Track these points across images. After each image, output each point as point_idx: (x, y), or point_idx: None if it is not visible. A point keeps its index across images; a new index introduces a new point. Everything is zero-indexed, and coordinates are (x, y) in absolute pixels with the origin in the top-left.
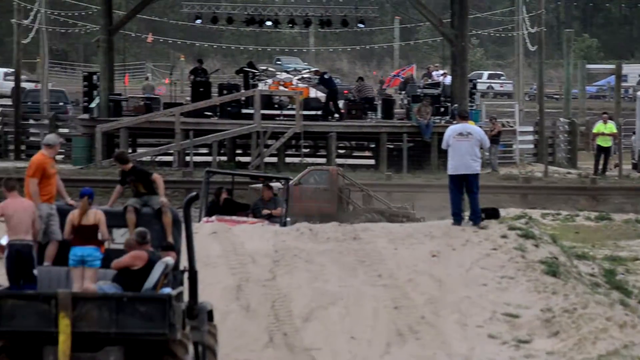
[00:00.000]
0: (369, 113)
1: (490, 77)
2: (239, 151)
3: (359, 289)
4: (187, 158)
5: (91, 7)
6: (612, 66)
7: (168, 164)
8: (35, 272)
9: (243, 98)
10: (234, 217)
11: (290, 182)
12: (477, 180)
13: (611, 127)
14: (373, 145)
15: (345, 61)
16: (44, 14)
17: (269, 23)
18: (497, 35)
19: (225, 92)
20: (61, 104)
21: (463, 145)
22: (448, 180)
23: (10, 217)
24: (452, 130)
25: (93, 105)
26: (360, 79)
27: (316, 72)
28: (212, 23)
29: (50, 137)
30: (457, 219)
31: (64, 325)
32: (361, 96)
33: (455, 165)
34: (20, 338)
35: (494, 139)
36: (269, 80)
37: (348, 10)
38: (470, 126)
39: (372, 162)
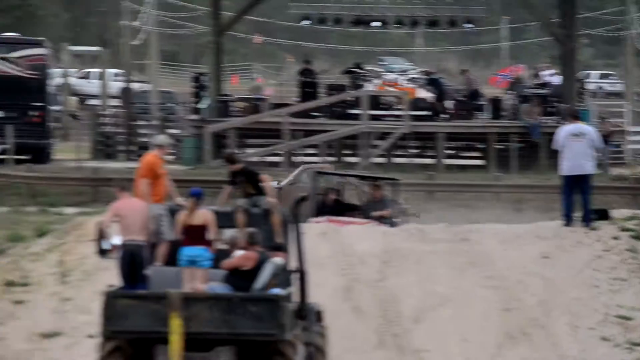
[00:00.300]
0: (477, 113)
1: (600, 76)
2: (346, 151)
3: (468, 291)
4: (295, 158)
5: (200, 8)
6: None
7: (276, 164)
8: (147, 272)
9: (351, 98)
10: (343, 218)
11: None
12: (591, 180)
13: None
14: (481, 146)
15: (453, 61)
16: (153, 16)
17: (376, 23)
18: (607, 34)
19: (332, 92)
20: (170, 104)
21: (577, 145)
22: (561, 180)
23: (123, 218)
24: (565, 130)
25: (202, 106)
26: (465, 71)
27: (424, 72)
28: (319, 24)
29: (161, 138)
30: (568, 220)
31: (176, 325)
32: (471, 89)
33: (570, 166)
34: (132, 338)
35: (605, 139)
36: (377, 81)
37: (456, 10)
38: (583, 126)
39: (480, 162)
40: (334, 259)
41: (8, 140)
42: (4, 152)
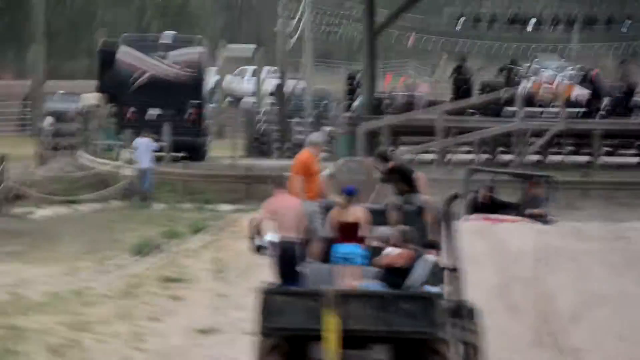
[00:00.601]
0: (636, 110)
1: None
2: (500, 149)
3: (626, 290)
4: (449, 156)
5: (355, 7)
6: None
7: (430, 162)
8: (301, 269)
9: (506, 96)
10: (497, 216)
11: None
12: None
13: None
14: (639, 144)
15: (610, 59)
16: (308, 14)
17: (532, 22)
18: None
19: (487, 90)
20: (324, 102)
21: None
22: None
23: (278, 215)
24: None
25: (356, 103)
26: (625, 61)
27: (581, 70)
28: (474, 22)
29: (315, 136)
30: None
31: (331, 322)
32: (629, 81)
33: None
34: (288, 335)
35: None
36: (532, 78)
37: (614, 8)
38: None
39: (638, 160)
40: (488, 256)
41: (165, 138)
42: (161, 149)
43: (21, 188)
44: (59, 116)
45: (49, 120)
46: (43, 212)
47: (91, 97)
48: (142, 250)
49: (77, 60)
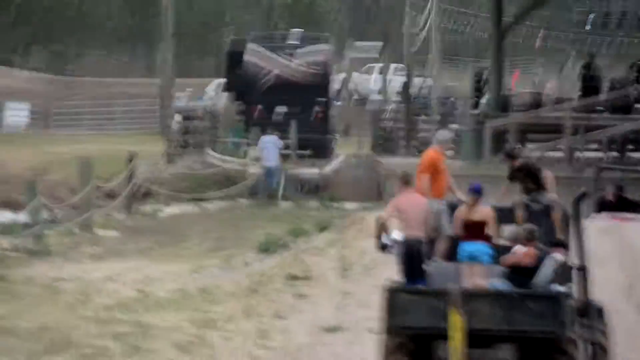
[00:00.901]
0: None
1: None
2: (630, 147)
3: None
4: (577, 154)
5: (483, 4)
6: None
7: (557, 160)
8: (426, 267)
9: (635, 93)
10: (625, 214)
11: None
12: None
13: None
14: None
15: None
16: (436, 11)
17: None
18: None
19: (616, 87)
20: (451, 100)
21: None
22: None
23: (403, 213)
24: None
25: (483, 101)
26: None
27: None
28: (604, 19)
29: (443, 134)
30: None
31: (456, 321)
32: None
33: None
34: (413, 333)
35: None
36: None
37: None
38: None
39: None
40: (616, 255)
41: (291, 136)
42: (287, 147)
43: (150, 186)
44: (188, 114)
45: (177, 118)
46: (171, 210)
47: (210, 95)
48: (269, 247)
49: (205, 59)
